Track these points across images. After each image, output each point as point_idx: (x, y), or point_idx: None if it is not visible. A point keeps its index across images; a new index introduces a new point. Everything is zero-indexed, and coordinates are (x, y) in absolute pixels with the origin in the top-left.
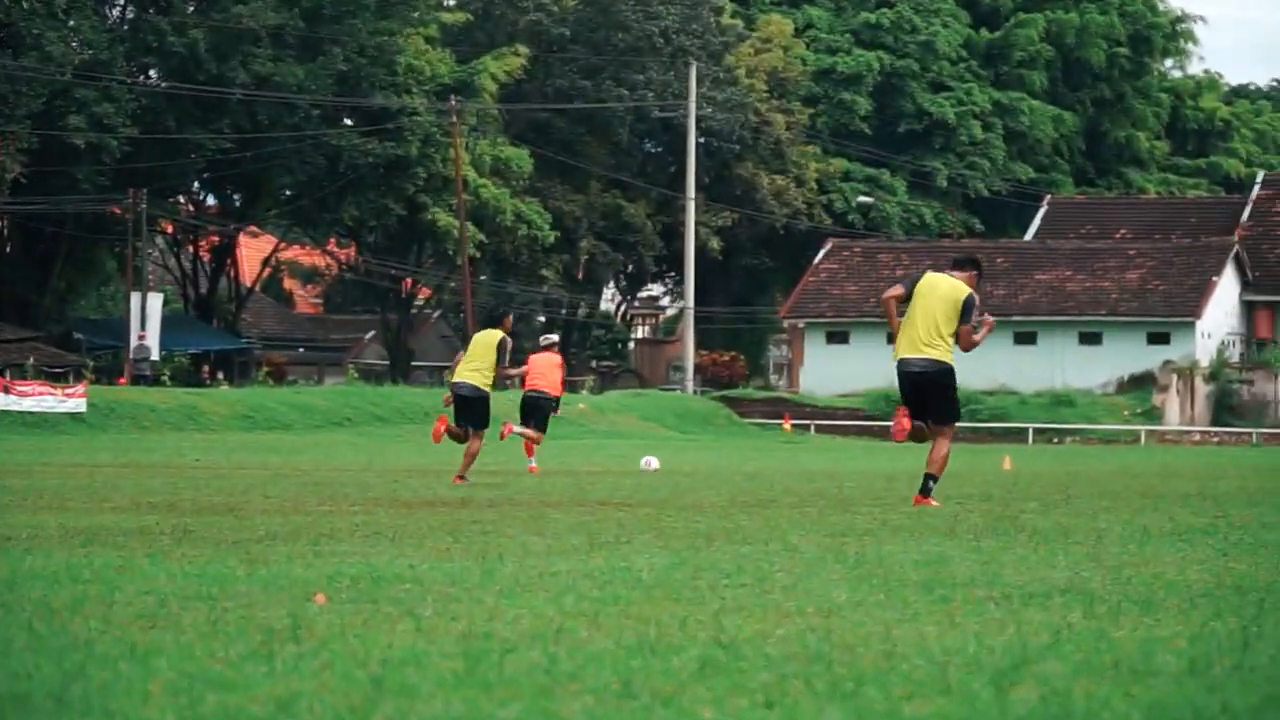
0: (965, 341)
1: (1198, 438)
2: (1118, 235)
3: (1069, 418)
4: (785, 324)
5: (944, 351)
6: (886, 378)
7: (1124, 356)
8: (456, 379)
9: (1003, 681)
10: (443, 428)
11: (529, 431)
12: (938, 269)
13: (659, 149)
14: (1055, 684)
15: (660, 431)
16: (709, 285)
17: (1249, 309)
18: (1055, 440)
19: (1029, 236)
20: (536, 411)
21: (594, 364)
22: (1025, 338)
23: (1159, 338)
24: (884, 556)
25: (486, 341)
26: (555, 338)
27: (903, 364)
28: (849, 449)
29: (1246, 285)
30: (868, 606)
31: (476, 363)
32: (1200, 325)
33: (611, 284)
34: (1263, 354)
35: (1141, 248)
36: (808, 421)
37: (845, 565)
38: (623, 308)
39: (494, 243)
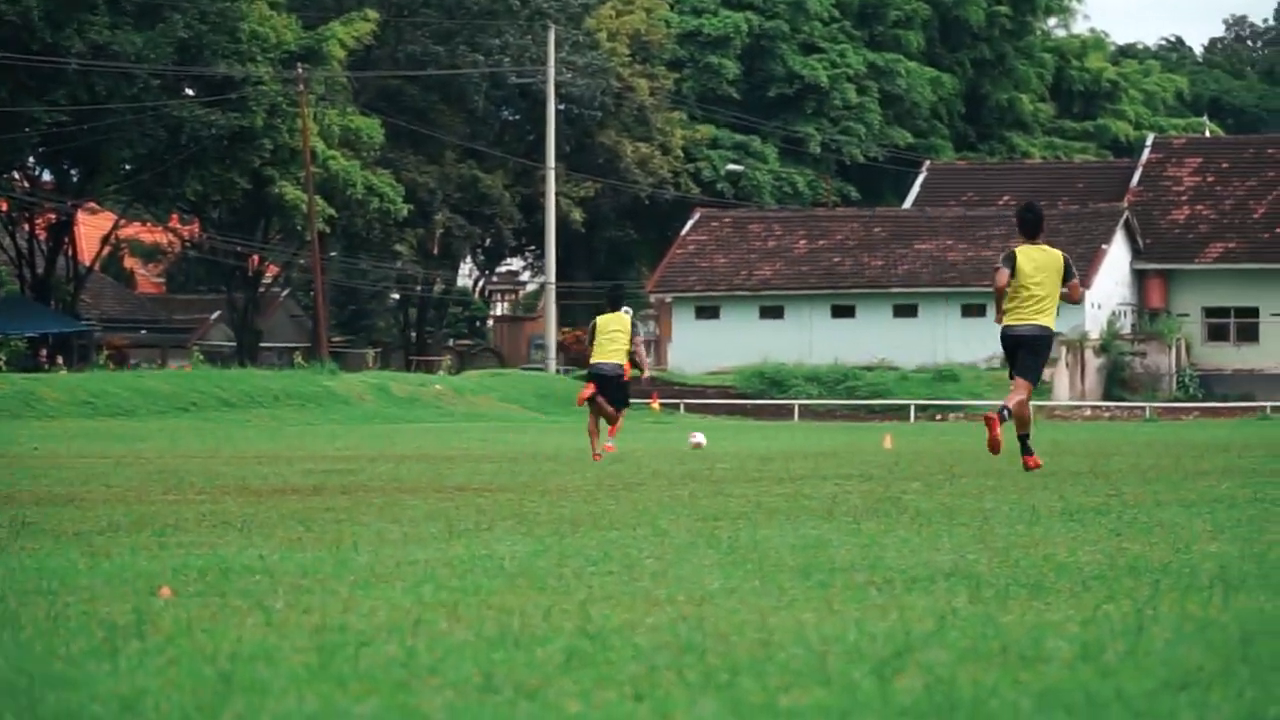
0: (1076, 294)
1: (1089, 413)
2: (1001, 202)
3: (952, 393)
4: (652, 299)
5: (1051, 318)
6: (760, 353)
7: None
8: (597, 359)
9: (885, 670)
10: (589, 392)
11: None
12: (1014, 243)
13: (516, 117)
14: (940, 672)
15: (521, 413)
16: (571, 259)
17: (1140, 278)
18: (938, 417)
19: (908, 204)
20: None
21: (451, 342)
22: (905, 310)
23: None
24: (759, 541)
25: (621, 324)
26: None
27: (1010, 329)
28: (721, 428)
29: (1137, 253)
30: (742, 593)
31: (616, 344)
32: (1090, 295)
33: (468, 259)
34: (1155, 324)
35: None
36: (677, 400)
37: (718, 550)
38: (481, 283)
39: (344, 217)
